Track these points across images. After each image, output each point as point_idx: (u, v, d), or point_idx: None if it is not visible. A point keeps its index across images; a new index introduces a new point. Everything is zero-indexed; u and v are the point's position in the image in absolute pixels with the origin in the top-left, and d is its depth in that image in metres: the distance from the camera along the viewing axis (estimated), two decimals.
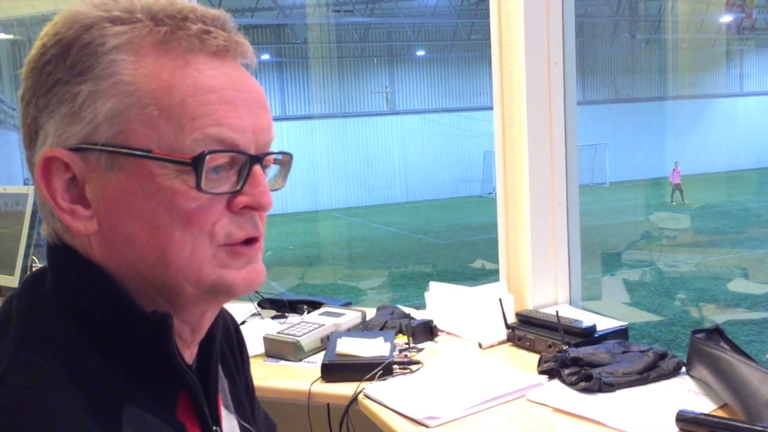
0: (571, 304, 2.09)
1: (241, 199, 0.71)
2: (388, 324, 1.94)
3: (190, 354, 0.78)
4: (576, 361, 1.56)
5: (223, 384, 0.87)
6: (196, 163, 0.68)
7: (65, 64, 0.68)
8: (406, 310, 2.09)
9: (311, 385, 1.63)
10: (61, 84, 0.68)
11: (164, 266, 0.70)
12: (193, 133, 0.68)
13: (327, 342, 1.81)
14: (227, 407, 0.86)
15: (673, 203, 19.17)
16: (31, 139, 0.70)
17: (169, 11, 0.70)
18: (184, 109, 0.68)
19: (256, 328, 2.00)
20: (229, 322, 0.92)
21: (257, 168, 0.72)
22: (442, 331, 1.96)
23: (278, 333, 1.86)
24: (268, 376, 1.73)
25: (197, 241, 0.70)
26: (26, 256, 2.27)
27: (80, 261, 0.71)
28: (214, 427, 0.78)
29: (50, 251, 0.73)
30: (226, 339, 0.89)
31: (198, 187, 0.68)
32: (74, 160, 0.68)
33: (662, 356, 1.57)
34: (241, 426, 0.87)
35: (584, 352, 1.59)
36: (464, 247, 14.18)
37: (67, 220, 0.69)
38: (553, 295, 2.08)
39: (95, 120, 0.67)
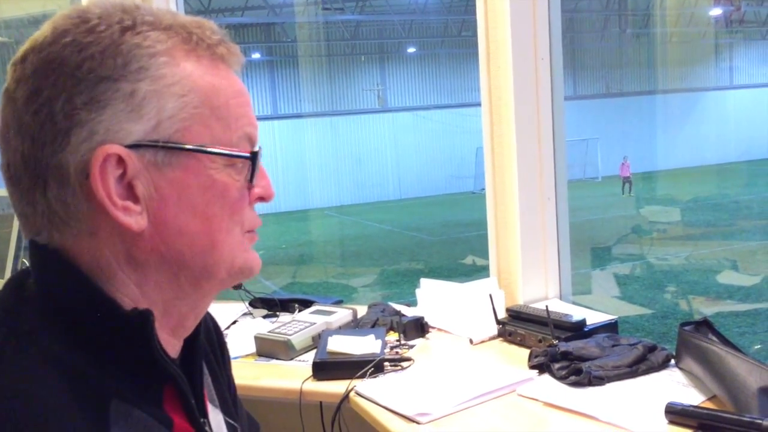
0: (561, 298, 2.10)
1: (256, 191, 0.79)
2: (379, 321, 1.95)
3: (174, 350, 0.79)
4: (566, 356, 1.57)
5: (207, 380, 0.88)
6: (254, 158, 0.76)
7: (114, 63, 0.69)
8: (398, 307, 2.09)
9: (303, 383, 1.63)
10: (108, 81, 0.68)
11: (210, 253, 0.75)
12: (238, 131, 0.75)
13: (318, 340, 1.81)
14: (212, 402, 0.87)
15: (624, 195, 20.02)
16: (55, 137, 0.68)
17: (192, 22, 0.75)
18: (229, 110, 0.75)
19: (248, 328, 2.00)
20: (209, 322, 0.93)
21: (261, 163, 0.79)
22: (433, 328, 1.96)
23: (269, 332, 1.86)
24: (260, 375, 1.73)
25: (236, 228, 0.77)
26: (16, 258, 2.27)
27: (62, 263, 0.71)
28: (202, 420, 0.78)
29: (35, 254, 0.73)
30: (207, 338, 0.90)
31: (251, 179, 0.77)
32: (131, 156, 0.69)
33: (651, 349, 1.58)
34: (225, 422, 0.88)
35: (574, 346, 1.59)
36: (457, 244, 14.19)
37: (120, 218, 0.70)
38: (543, 290, 2.09)
39: (156, 118, 0.70)
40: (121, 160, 0.69)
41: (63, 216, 0.70)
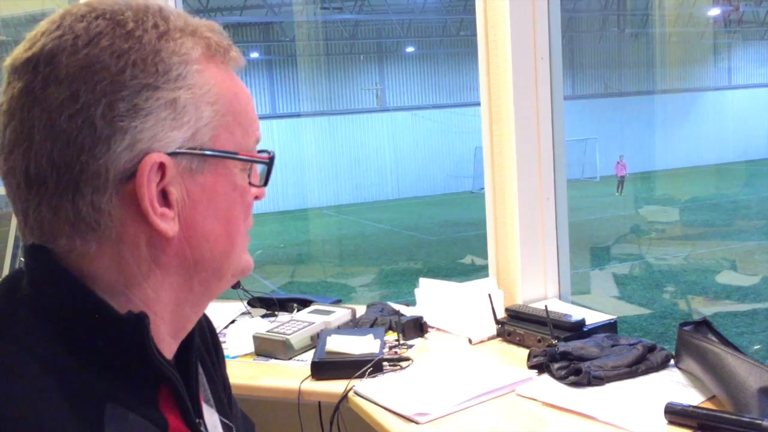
0: (560, 298, 2.10)
1: (253, 191, 0.80)
2: (378, 321, 1.94)
3: (171, 351, 0.78)
4: (565, 356, 1.56)
5: (202, 379, 0.88)
6: (271, 162, 0.80)
7: (156, 70, 0.69)
8: (396, 306, 2.09)
9: (301, 383, 1.63)
10: (150, 89, 0.68)
11: (228, 256, 0.77)
12: (252, 135, 0.78)
13: (317, 340, 1.81)
14: (207, 402, 0.87)
15: (617, 194, 20.33)
16: (95, 143, 0.67)
17: (204, 25, 0.76)
18: (246, 116, 0.77)
19: (246, 327, 1.99)
20: (203, 322, 0.93)
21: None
22: (432, 328, 1.96)
23: (268, 332, 1.85)
24: (258, 374, 1.72)
25: (245, 230, 0.80)
26: (14, 257, 2.26)
27: (58, 267, 0.70)
28: (197, 420, 0.78)
29: (32, 256, 0.72)
30: (201, 338, 0.90)
31: (266, 183, 0.81)
32: (170, 164, 0.70)
33: (651, 349, 1.58)
34: (221, 421, 0.87)
35: (573, 346, 1.59)
36: (455, 243, 14.20)
37: (158, 224, 0.70)
38: (542, 289, 2.09)
39: (195, 126, 0.72)
40: (161, 168, 0.69)
41: (91, 222, 0.69)
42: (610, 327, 1.77)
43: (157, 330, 0.74)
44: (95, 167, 0.67)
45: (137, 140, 0.68)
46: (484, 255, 2.19)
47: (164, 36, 0.70)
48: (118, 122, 0.67)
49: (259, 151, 0.80)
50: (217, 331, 0.98)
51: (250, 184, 0.79)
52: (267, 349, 1.82)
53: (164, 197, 0.71)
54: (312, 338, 1.84)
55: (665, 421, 1.29)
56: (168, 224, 0.71)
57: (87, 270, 0.70)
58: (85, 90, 0.67)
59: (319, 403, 1.69)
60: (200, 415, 0.80)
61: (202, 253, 0.75)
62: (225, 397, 0.92)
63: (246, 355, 1.84)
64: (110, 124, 0.67)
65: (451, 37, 24.85)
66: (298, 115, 23.75)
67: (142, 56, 0.68)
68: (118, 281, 0.71)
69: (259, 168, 0.80)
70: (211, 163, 0.73)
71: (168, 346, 0.77)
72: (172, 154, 0.70)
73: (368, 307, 2.09)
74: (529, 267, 2.06)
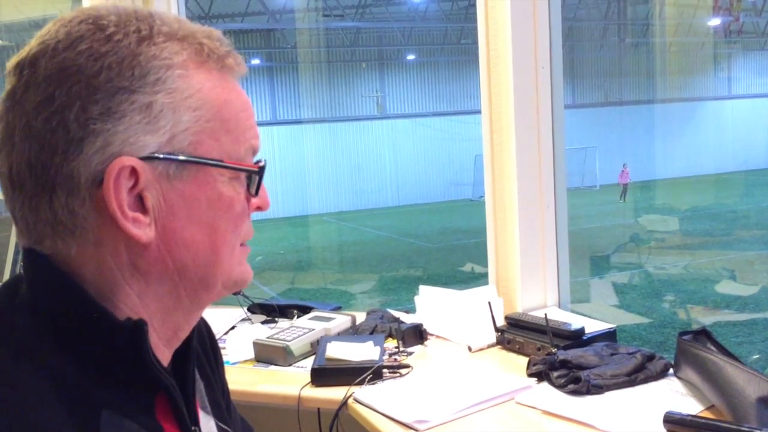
0: (560, 306, 2.10)
1: (254, 202, 0.79)
2: (377, 328, 1.94)
3: (166, 358, 0.78)
4: (565, 364, 1.57)
5: (200, 386, 0.87)
6: (261, 172, 0.77)
7: (132, 73, 0.68)
8: (396, 313, 2.09)
9: (301, 389, 1.63)
10: (125, 92, 0.68)
11: (213, 266, 0.76)
12: (245, 143, 0.76)
13: (317, 346, 1.81)
14: (204, 408, 0.87)
15: (620, 201, 20.83)
16: (68, 145, 0.67)
17: (201, 31, 0.75)
18: (237, 123, 0.75)
19: (246, 333, 1.99)
20: (202, 328, 0.92)
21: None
22: (432, 335, 1.96)
23: (268, 338, 1.86)
24: (258, 381, 1.73)
25: (236, 241, 0.78)
26: (14, 262, 2.26)
27: (56, 271, 0.70)
28: (193, 428, 0.78)
29: (29, 261, 0.72)
30: (200, 344, 0.90)
31: (256, 193, 0.78)
32: (144, 168, 0.69)
33: (650, 358, 1.58)
34: (218, 427, 0.88)
35: (573, 354, 1.59)
36: (455, 251, 14.19)
37: (129, 230, 0.69)
38: (542, 298, 2.09)
39: (171, 131, 0.70)
40: (134, 172, 0.69)
41: (69, 225, 0.69)
42: (609, 336, 1.77)
43: (150, 337, 0.73)
44: (68, 170, 0.68)
45: (108, 143, 0.68)
46: (483, 263, 2.19)
47: (145, 40, 0.70)
48: (91, 125, 0.67)
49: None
50: (217, 337, 0.98)
51: (248, 193, 0.77)
52: (267, 355, 1.82)
53: (142, 202, 0.70)
54: (312, 345, 1.85)
55: (664, 430, 1.29)
56: (142, 230, 0.70)
57: (76, 273, 0.70)
58: (60, 93, 0.67)
59: (319, 409, 1.69)
60: (196, 423, 0.80)
61: (184, 262, 0.73)
62: (224, 403, 0.92)
63: (246, 361, 1.84)
64: (83, 126, 0.67)
65: (452, 45, 24.90)
66: (299, 122, 23.77)
67: (119, 59, 0.68)
68: (104, 286, 0.71)
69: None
70: (191, 169, 0.72)
71: (162, 353, 0.77)
72: (146, 159, 0.69)
73: (368, 314, 2.09)
74: (528, 275, 2.06)
